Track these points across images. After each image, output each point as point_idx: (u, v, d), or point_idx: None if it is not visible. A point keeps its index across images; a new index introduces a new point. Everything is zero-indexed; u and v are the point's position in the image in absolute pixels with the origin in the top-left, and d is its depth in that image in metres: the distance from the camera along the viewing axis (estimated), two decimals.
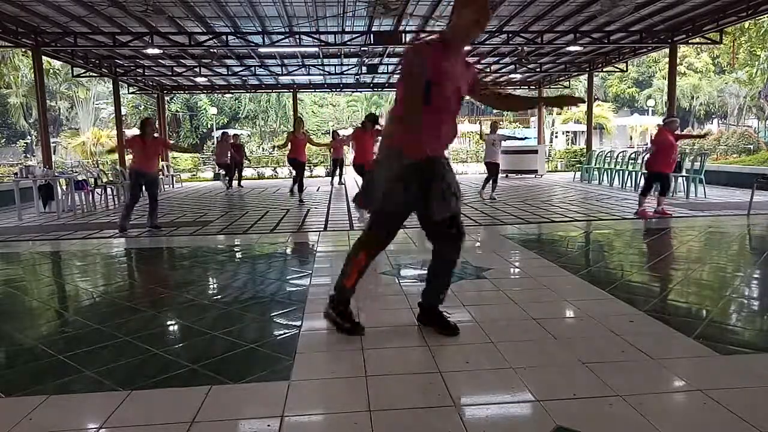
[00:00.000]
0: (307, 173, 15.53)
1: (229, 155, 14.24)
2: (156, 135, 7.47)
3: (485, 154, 10.28)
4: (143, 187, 7.29)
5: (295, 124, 10.60)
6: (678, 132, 8.15)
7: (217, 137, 14.75)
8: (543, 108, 21.02)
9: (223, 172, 14.44)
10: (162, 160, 7.31)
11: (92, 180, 11.15)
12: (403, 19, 11.44)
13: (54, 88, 27.93)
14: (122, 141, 6.53)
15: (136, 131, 10.31)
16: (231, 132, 17.03)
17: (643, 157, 10.61)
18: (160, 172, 14.34)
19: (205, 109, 31.14)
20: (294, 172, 10.59)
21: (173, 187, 15.92)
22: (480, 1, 2.61)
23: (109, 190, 11.30)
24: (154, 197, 7.33)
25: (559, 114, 32.51)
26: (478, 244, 5.95)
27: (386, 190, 2.69)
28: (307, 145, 10.54)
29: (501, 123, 36.18)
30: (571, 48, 13.79)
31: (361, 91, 29.60)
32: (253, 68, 16.86)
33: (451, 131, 2.79)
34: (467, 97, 2.91)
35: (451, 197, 2.71)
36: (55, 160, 16.68)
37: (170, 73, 16.82)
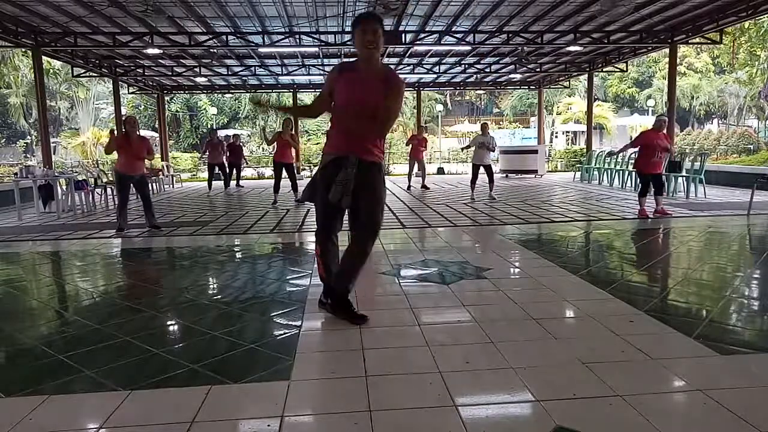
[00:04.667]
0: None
1: (225, 156, 13.92)
2: (141, 136, 7.15)
3: (474, 155, 10.29)
4: (132, 188, 7.16)
5: (284, 124, 9.91)
6: (675, 133, 8.03)
7: (206, 139, 14.18)
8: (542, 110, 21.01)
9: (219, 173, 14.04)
10: (148, 161, 6.85)
11: (92, 180, 11.15)
12: (403, 19, 11.44)
13: (54, 88, 27.90)
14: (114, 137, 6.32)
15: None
16: (231, 132, 16.84)
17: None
18: (160, 173, 14.29)
19: (205, 109, 31.11)
20: (274, 178, 9.92)
21: (173, 187, 15.91)
22: (361, 24, 3.01)
23: (109, 190, 11.28)
24: (146, 197, 7.18)
25: (559, 114, 32.50)
26: (478, 244, 5.95)
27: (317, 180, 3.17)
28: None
29: (501, 123, 36.21)
30: (571, 48, 13.78)
31: None
32: (253, 68, 16.85)
33: (357, 131, 3.07)
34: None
35: (338, 190, 2.99)
36: (55, 160, 16.66)
37: (170, 73, 16.81)
